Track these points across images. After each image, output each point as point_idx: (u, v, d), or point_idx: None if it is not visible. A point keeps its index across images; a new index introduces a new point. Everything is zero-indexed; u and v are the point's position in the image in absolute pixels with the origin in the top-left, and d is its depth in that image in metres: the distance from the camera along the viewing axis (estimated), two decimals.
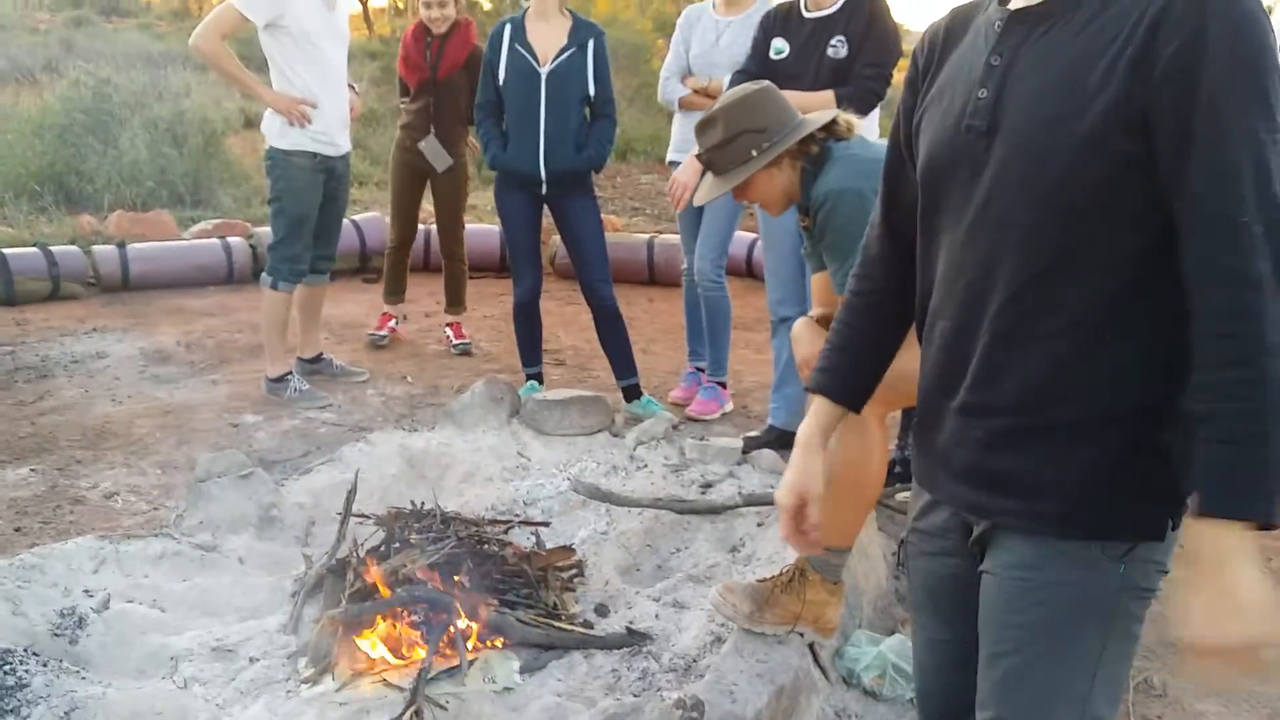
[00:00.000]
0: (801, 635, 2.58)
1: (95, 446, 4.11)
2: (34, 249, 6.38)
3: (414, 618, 2.69)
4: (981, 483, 1.47)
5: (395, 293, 5.81)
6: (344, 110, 4.66)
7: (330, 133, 4.56)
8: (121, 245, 6.47)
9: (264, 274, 4.69)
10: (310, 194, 4.58)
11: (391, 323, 5.86)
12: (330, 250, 4.92)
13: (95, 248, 6.71)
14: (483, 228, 7.94)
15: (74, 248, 6.64)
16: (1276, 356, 1.21)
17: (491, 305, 6.71)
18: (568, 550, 3.11)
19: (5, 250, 6.25)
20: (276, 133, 4.49)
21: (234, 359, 5.38)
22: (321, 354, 5.16)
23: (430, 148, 5.37)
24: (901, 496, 3.69)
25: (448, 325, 5.86)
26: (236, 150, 10.23)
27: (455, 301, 5.84)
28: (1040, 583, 1.42)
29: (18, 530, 3.36)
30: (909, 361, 1.63)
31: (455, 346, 5.72)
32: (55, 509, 3.54)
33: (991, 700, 1.48)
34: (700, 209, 4.57)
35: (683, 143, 4.48)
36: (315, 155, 4.53)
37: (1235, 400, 1.23)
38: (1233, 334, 1.23)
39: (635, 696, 2.11)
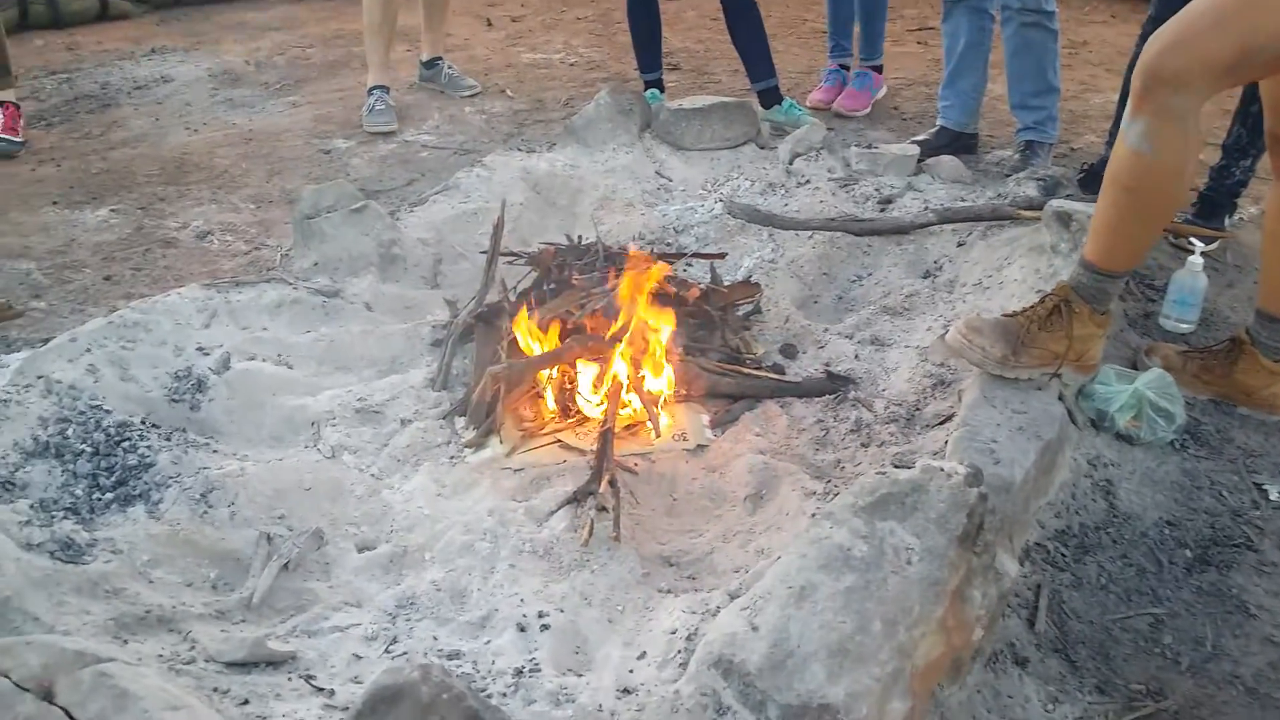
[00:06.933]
0: (1059, 377, 2.12)
1: (177, 181, 3.65)
2: None
3: (586, 370, 2.28)
4: None
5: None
6: None
7: None
8: None
9: None
10: None
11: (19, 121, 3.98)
12: None
13: None
14: None
15: None
16: None
17: (583, 5, 5.94)
18: (751, 286, 2.64)
19: None
20: None
21: (311, 78, 4.80)
22: (439, 58, 4.54)
23: None
24: None
25: None
26: None
27: None
28: None
29: (108, 279, 2.96)
30: None
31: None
32: (145, 253, 3.13)
33: None
34: None
35: None
36: None
37: None
38: None
39: (901, 467, 1.69)
